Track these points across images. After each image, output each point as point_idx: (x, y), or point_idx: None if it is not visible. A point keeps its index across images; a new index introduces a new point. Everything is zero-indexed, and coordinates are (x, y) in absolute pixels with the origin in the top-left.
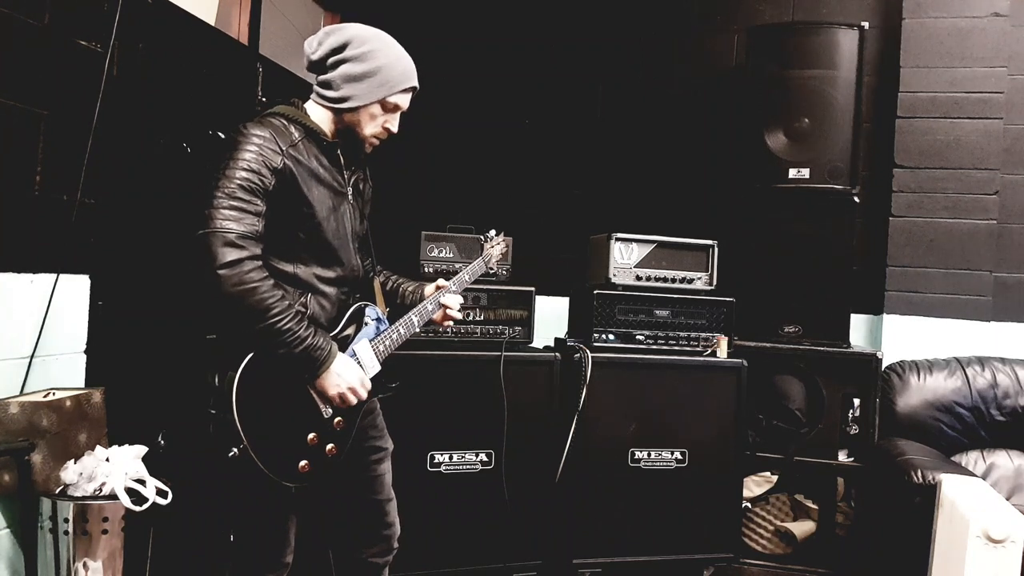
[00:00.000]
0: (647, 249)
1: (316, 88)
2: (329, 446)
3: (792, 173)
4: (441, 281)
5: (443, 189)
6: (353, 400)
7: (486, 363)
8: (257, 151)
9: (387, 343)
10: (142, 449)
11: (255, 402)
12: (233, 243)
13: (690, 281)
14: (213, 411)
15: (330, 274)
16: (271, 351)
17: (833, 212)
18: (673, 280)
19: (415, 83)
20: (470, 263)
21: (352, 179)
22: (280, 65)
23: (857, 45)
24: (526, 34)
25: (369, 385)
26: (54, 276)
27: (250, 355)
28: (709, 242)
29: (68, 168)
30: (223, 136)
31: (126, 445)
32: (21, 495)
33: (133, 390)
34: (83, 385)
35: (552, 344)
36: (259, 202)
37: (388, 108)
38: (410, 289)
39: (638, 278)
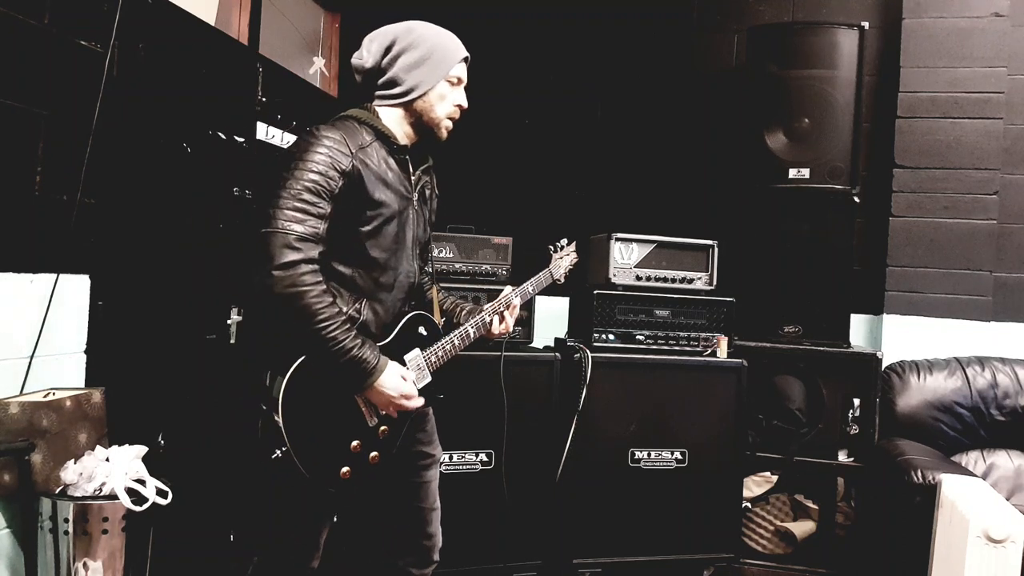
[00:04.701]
0: (647, 249)
1: (379, 92)
2: (372, 454)
3: (792, 173)
4: (508, 291)
5: (443, 189)
6: (399, 411)
7: (486, 363)
8: (327, 153)
9: (440, 354)
10: (142, 449)
11: (302, 406)
12: (291, 245)
13: (690, 281)
14: (264, 407)
15: (387, 279)
16: (318, 356)
17: (833, 212)
18: (673, 280)
19: (466, 52)
20: (536, 273)
21: (419, 185)
22: (280, 65)
23: (857, 45)
24: (526, 34)
25: (416, 396)
26: (54, 276)
27: (300, 359)
28: (709, 242)
29: (68, 168)
30: (223, 136)
31: (126, 445)
32: (21, 495)
33: (133, 390)
34: (83, 385)
35: (552, 344)
36: (324, 204)
37: (453, 83)
38: (467, 310)
39: (638, 278)
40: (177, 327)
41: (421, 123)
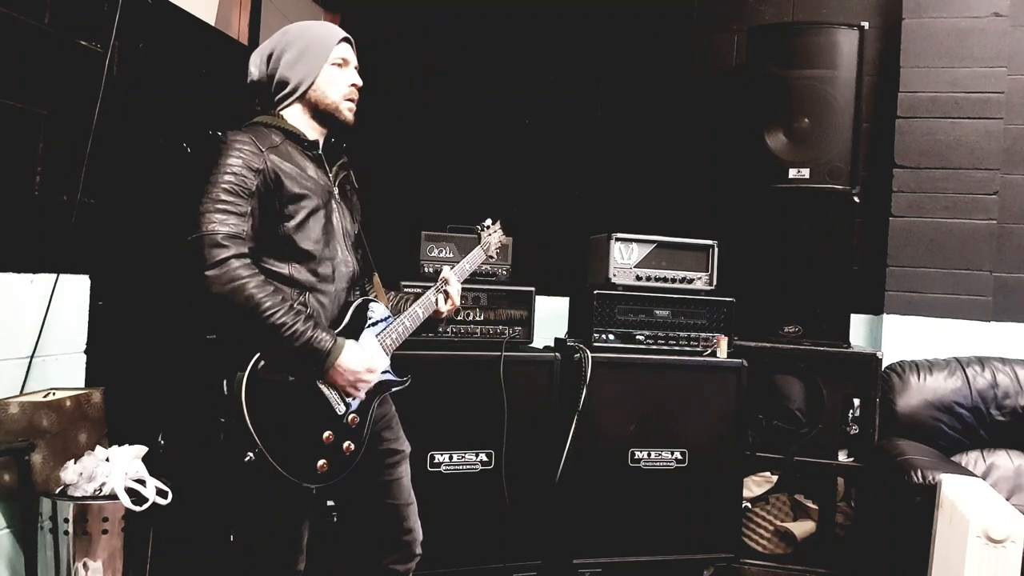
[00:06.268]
0: (647, 249)
1: (276, 97)
2: (346, 444)
3: (792, 173)
4: (445, 270)
5: (443, 189)
6: (363, 388)
7: (486, 363)
8: (238, 154)
9: (394, 336)
10: (142, 449)
11: (267, 404)
12: (219, 243)
13: (690, 281)
14: (223, 419)
15: (325, 270)
16: (274, 349)
17: (833, 212)
18: (673, 280)
19: (344, 33)
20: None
21: (336, 180)
22: None
23: (857, 45)
24: (526, 34)
25: (377, 367)
26: (54, 276)
27: (256, 356)
28: (709, 242)
29: (68, 168)
30: (223, 136)
31: (126, 445)
32: (21, 495)
33: (133, 390)
34: (83, 385)
35: (552, 344)
36: (244, 203)
37: (340, 65)
38: (409, 300)
39: (638, 278)
40: (177, 327)
41: (320, 112)
